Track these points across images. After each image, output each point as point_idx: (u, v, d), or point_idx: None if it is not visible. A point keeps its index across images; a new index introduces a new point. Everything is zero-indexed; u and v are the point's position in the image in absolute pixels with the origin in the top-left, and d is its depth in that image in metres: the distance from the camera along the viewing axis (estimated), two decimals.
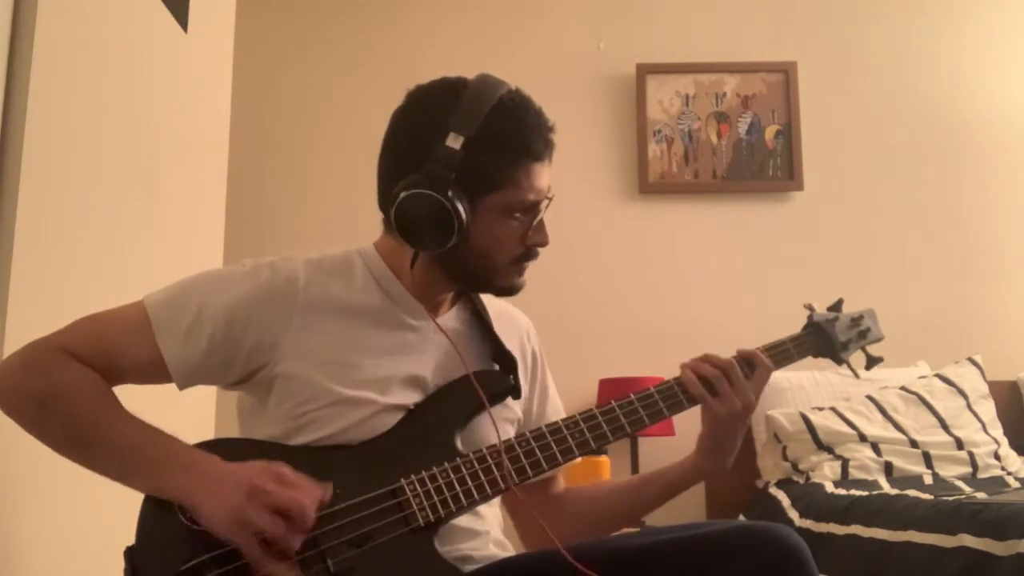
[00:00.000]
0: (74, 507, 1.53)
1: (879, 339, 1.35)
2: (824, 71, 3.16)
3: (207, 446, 1.04)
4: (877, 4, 3.22)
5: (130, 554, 0.97)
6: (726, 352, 1.21)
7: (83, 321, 1.08)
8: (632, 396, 1.16)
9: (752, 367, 1.17)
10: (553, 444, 1.10)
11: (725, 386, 1.14)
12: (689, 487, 1.23)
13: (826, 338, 1.31)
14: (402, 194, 1.05)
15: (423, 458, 1.05)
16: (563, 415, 1.30)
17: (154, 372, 1.07)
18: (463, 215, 1.05)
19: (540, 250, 1.15)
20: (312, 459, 1.02)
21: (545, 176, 1.12)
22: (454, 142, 1.05)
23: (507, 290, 1.16)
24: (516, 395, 1.20)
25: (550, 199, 1.13)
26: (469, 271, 1.13)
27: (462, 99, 1.07)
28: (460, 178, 1.05)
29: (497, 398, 1.16)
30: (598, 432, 1.12)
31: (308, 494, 0.94)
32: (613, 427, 1.13)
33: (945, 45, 3.21)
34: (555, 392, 1.34)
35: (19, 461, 1.36)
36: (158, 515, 0.97)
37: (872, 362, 1.34)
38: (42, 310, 1.43)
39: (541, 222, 1.13)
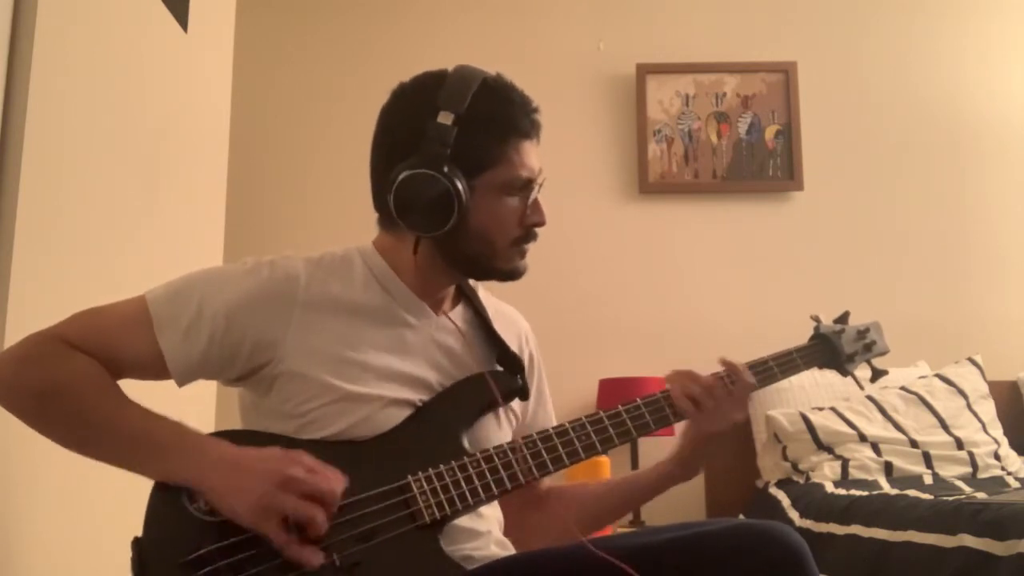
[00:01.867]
0: (77, 502, 1.53)
1: (884, 352, 1.36)
2: (824, 71, 3.16)
3: (218, 437, 1.04)
4: (877, 4, 3.23)
5: (137, 544, 0.97)
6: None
7: (83, 314, 1.08)
8: (639, 400, 1.17)
9: (734, 381, 1.18)
10: (559, 445, 1.11)
11: (710, 404, 1.15)
12: (658, 495, 1.25)
13: (832, 350, 1.32)
14: (400, 176, 1.06)
15: (430, 456, 1.06)
16: (553, 419, 1.31)
17: (153, 368, 1.07)
18: (462, 192, 1.06)
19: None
20: (319, 454, 1.03)
21: (535, 155, 1.13)
22: (445, 119, 1.06)
23: (509, 273, 1.16)
24: (524, 396, 1.21)
25: (541, 184, 1.14)
26: (471, 255, 1.13)
27: (447, 83, 1.10)
28: (454, 157, 1.06)
29: (505, 399, 1.17)
30: (604, 436, 1.13)
31: (335, 480, 0.96)
32: (619, 430, 1.14)
33: (945, 45, 3.21)
34: (548, 396, 1.35)
35: (20, 457, 1.36)
36: (166, 505, 0.97)
37: (877, 375, 1.36)
38: (42, 310, 1.43)
39: (537, 201, 1.14)
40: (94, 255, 1.67)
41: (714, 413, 1.15)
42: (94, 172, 1.68)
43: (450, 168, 1.05)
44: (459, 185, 1.06)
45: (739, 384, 1.17)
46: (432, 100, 1.08)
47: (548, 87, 3.02)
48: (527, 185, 1.12)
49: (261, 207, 2.96)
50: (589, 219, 3.00)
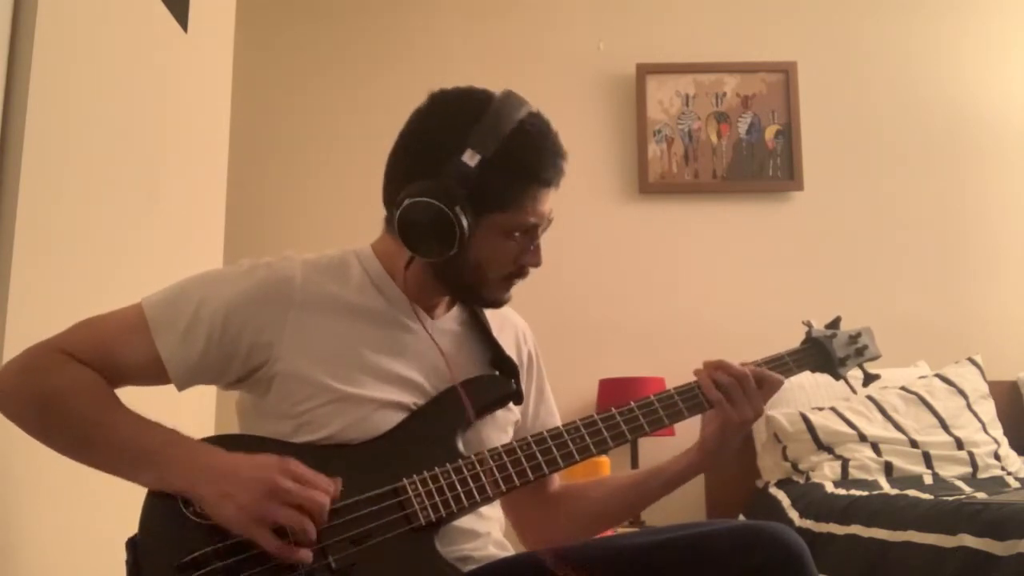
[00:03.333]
0: (74, 503, 1.53)
1: (876, 357, 1.37)
2: (824, 71, 3.16)
3: (212, 442, 1.04)
4: (877, 4, 3.22)
5: (132, 545, 0.98)
6: (726, 351, 1.21)
7: (81, 324, 1.09)
8: (632, 403, 1.17)
9: (761, 380, 1.19)
10: (554, 448, 1.11)
11: (740, 393, 1.16)
12: (684, 483, 1.25)
13: (824, 354, 1.33)
14: (408, 200, 1.06)
15: (425, 459, 1.06)
16: (558, 416, 1.31)
17: (153, 373, 1.07)
18: (466, 229, 1.06)
19: (542, 250, 1.16)
20: (314, 457, 1.03)
21: (549, 201, 1.14)
22: (470, 159, 1.06)
23: (492, 303, 1.18)
24: (518, 400, 1.20)
25: (548, 225, 1.15)
26: (460, 282, 1.15)
27: (485, 116, 1.08)
28: (469, 194, 1.06)
29: (499, 403, 1.17)
30: (598, 438, 1.13)
31: (324, 490, 0.96)
32: (613, 432, 1.14)
33: (945, 45, 3.21)
34: (551, 394, 1.35)
35: (21, 457, 1.36)
36: (161, 507, 0.98)
37: (869, 379, 1.36)
38: (42, 312, 1.43)
39: (537, 245, 1.15)
40: (94, 256, 1.67)
41: (741, 404, 1.16)
42: (94, 172, 1.68)
43: (462, 205, 1.05)
44: (464, 222, 1.05)
45: (768, 382, 1.19)
46: (465, 132, 1.07)
47: (548, 87, 3.03)
48: (532, 229, 1.13)
49: (261, 207, 2.96)
50: (589, 219, 3.00)
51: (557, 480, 1.31)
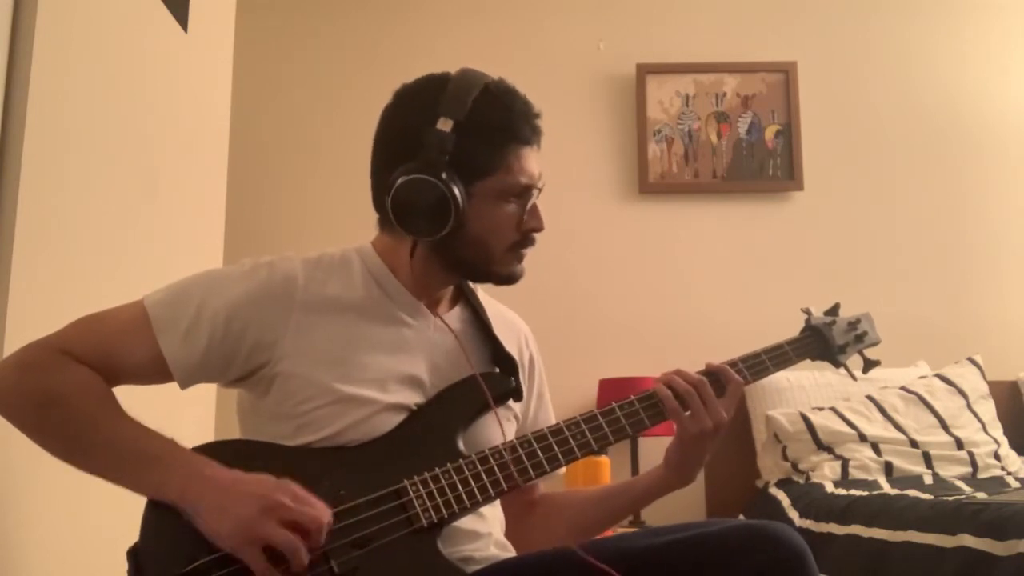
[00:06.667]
0: (77, 507, 1.53)
1: (876, 343, 1.36)
2: (824, 71, 3.16)
3: (209, 448, 1.03)
4: (877, 4, 3.23)
5: (134, 554, 0.97)
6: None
7: (81, 321, 1.08)
8: (633, 397, 1.16)
9: (723, 384, 1.16)
10: (555, 445, 1.11)
11: (697, 403, 1.13)
12: (654, 500, 1.23)
13: (824, 341, 1.32)
14: (398, 181, 1.06)
15: (426, 459, 1.06)
16: (554, 421, 1.30)
17: (154, 372, 1.07)
18: (459, 199, 1.06)
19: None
20: (315, 460, 1.03)
21: (535, 161, 1.14)
22: (444, 126, 1.07)
23: (506, 278, 1.16)
24: (518, 397, 1.20)
25: (540, 188, 1.14)
26: (467, 260, 1.14)
27: (448, 88, 1.10)
28: (453, 163, 1.06)
29: (499, 400, 1.17)
30: (599, 433, 1.13)
31: (322, 512, 0.94)
32: (614, 428, 1.13)
33: (945, 45, 3.21)
34: (549, 399, 1.35)
35: (21, 460, 1.36)
36: (162, 515, 0.97)
37: (869, 365, 1.35)
38: (42, 310, 1.43)
39: (535, 207, 1.14)
40: (94, 256, 1.67)
41: (701, 413, 1.13)
42: (94, 172, 1.68)
43: (448, 174, 1.06)
44: (456, 191, 1.06)
45: (732, 384, 1.16)
46: (433, 105, 1.08)
47: (548, 87, 3.02)
48: (526, 191, 1.13)
49: (261, 207, 2.96)
50: (589, 219, 3.00)
51: (540, 487, 1.30)
